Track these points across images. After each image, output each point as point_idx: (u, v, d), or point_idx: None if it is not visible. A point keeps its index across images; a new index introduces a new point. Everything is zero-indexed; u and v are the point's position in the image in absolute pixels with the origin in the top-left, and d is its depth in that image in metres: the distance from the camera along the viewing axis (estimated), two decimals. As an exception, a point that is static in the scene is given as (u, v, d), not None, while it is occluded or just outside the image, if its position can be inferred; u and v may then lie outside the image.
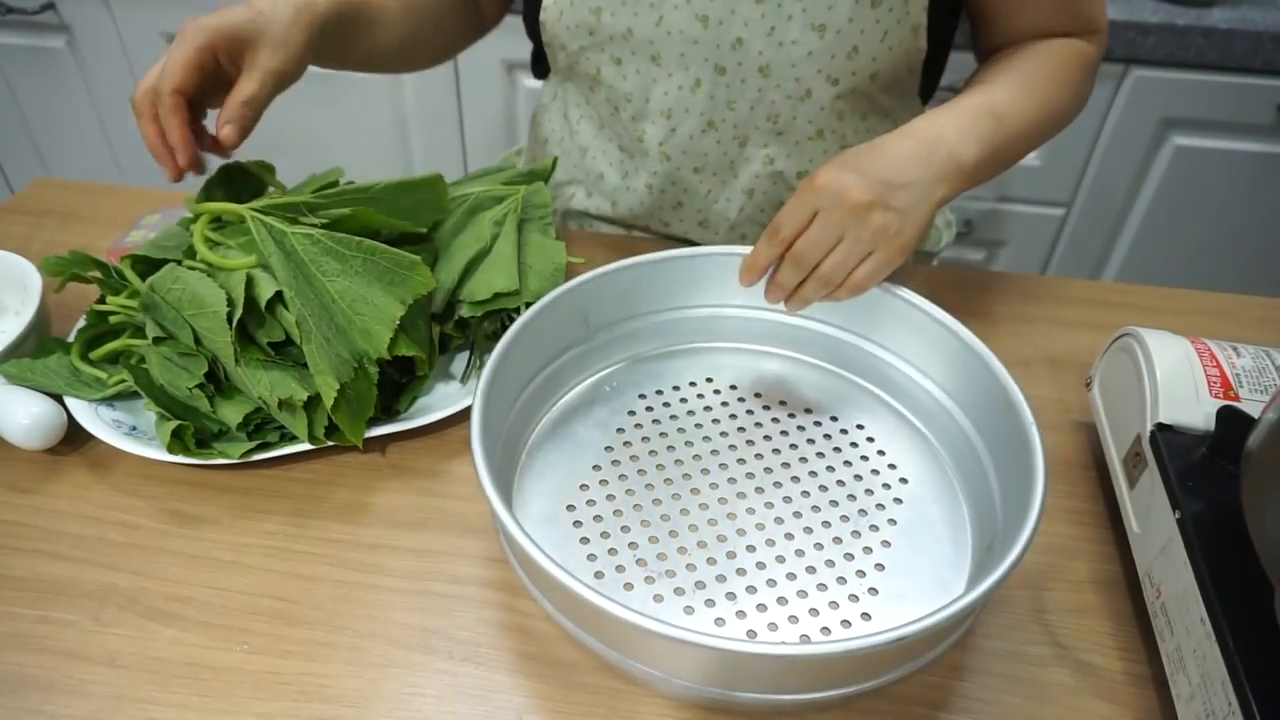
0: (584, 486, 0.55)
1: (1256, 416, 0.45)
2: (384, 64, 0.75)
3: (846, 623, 0.48)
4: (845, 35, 0.66)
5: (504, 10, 0.85)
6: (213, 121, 0.60)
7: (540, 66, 0.82)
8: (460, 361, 0.65)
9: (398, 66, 0.78)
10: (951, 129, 0.59)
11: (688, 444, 0.58)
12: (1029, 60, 0.67)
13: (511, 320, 0.55)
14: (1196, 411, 0.51)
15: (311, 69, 0.64)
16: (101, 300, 0.62)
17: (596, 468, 0.56)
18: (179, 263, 0.57)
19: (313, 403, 0.54)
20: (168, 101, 0.57)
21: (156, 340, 0.55)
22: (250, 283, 0.54)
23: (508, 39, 0.95)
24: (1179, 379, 0.52)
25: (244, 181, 0.63)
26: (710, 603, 0.49)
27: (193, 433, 0.55)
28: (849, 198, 0.54)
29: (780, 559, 0.51)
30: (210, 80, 0.59)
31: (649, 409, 0.60)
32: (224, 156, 0.61)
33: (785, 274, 0.57)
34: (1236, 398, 0.51)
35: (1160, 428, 0.51)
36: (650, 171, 0.76)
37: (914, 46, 0.68)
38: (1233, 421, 0.49)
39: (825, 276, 0.56)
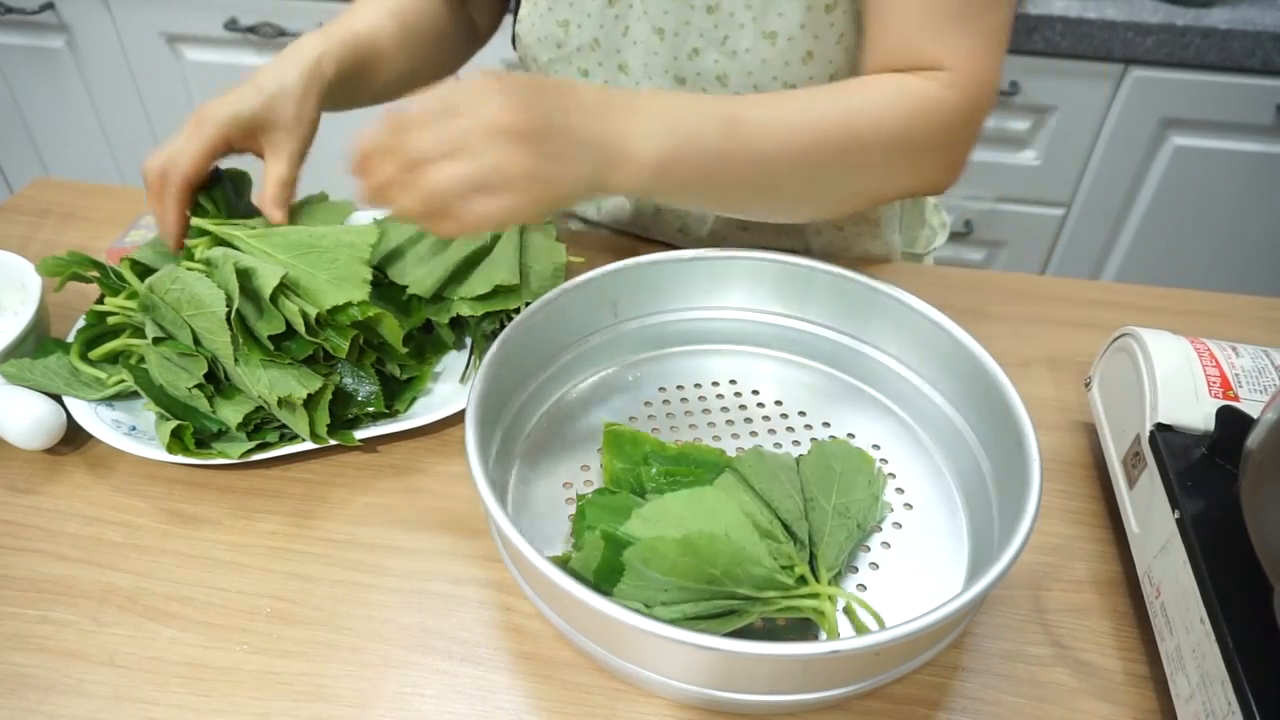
0: (581, 491, 0.55)
1: (1256, 416, 0.45)
2: (390, 99, 0.74)
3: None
4: (798, 42, 0.64)
5: (498, 20, 0.85)
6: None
7: None
8: (460, 361, 0.65)
9: (404, 95, 0.78)
10: (665, 113, 0.51)
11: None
12: (832, 87, 0.58)
13: (510, 320, 0.56)
14: (1196, 411, 0.51)
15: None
16: (100, 300, 0.62)
17: (588, 468, 0.56)
18: (177, 263, 0.57)
19: (313, 400, 0.54)
20: (173, 192, 0.59)
21: (156, 341, 0.55)
22: (251, 274, 0.54)
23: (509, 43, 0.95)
24: (1178, 379, 0.52)
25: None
26: (710, 603, 0.49)
27: (192, 433, 0.55)
28: (501, 116, 0.45)
29: (780, 559, 0.51)
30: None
31: (647, 403, 0.60)
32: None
33: (380, 158, 0.47)
34: (1236, 398, 0.51)
35: (1160, 428, 0.51)
36: None
37: None
38: (1232, 421, 0.49)
39: (425, 189, 0.46)
